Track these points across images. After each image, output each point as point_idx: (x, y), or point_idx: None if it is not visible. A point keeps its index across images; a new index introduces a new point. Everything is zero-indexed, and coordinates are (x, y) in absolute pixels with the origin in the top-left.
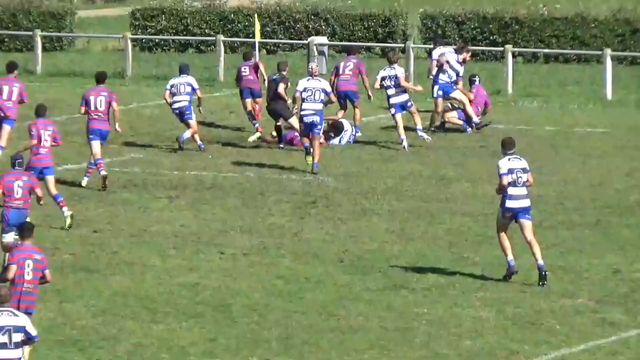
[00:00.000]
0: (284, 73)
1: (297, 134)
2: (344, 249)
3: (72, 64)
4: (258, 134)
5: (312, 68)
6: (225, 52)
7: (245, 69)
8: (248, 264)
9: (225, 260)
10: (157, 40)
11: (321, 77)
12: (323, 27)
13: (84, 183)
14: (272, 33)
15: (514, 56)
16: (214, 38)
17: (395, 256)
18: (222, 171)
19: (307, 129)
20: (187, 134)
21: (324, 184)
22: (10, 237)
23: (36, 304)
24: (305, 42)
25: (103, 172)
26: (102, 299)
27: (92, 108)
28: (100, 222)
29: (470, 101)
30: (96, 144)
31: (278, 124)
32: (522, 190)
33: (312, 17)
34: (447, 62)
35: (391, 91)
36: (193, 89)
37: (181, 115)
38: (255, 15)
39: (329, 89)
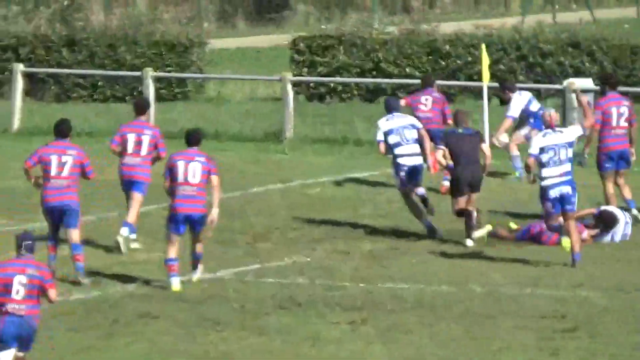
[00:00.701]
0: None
1: (545, 225)
2: None
3: (202, 121)
4: (488, 228)
5: (550, 116)
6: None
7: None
8: None
9: None
10: (332, 85)
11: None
12: (587, 64)
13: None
14: (507, 73)
15: None
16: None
17: None
18: (431, 282)
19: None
20: None
21: (588, 302)
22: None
23: None
24: (558, 86)
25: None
26: None
27: (181, 180)
28: (245, 359)
29: None
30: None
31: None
32: None
33: (569, 49)
34: None
35: None
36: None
37: None
38: (483, 46)
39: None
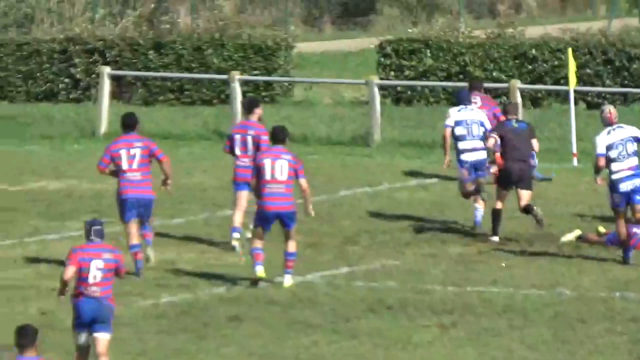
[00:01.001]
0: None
1: (634, 229)
2: None
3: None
4: (578, 232)
5: (610, 112)
6: (525, 105)
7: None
8: None
9: None
10: (418, 88)
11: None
12: None
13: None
14: (593, 77)
15: None
16: (505, 85)
17: None
18: (520, 286)
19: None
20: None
21: None
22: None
23: None
24: None
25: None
26: None
27: (269, 178)
28: None
29: None
30: None
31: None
32: None
33: None
34: None
35: None
36: None
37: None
38: (569, 50)
39: None
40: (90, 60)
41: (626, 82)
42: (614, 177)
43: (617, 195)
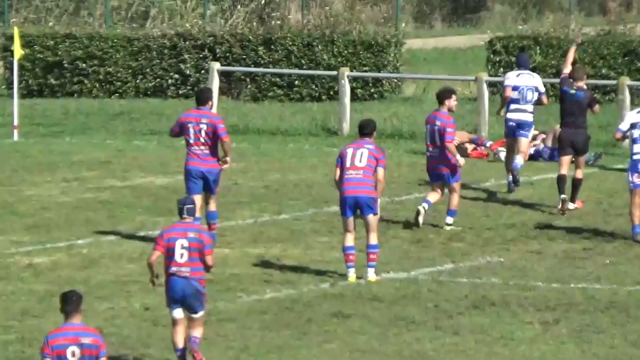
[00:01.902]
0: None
1: None
2: None
3: (395, 120)
4: None
5: None
6: (632, 101)
7: None
8: None
9: None
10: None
11: None
12: None
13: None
14: None
15: None
16: (614, 82)
17: None
18: (624, 283)
19: None
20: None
21: None
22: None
23: None
24: None
25: None
26: None
27: (348, 165)
28: (439, 358)
29: None
30: None
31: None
32: None
33: None
34: None
35: None
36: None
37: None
38: None
39: None
40: (200, 56)
41: None
42: (634, 158)
43: (635, 174)
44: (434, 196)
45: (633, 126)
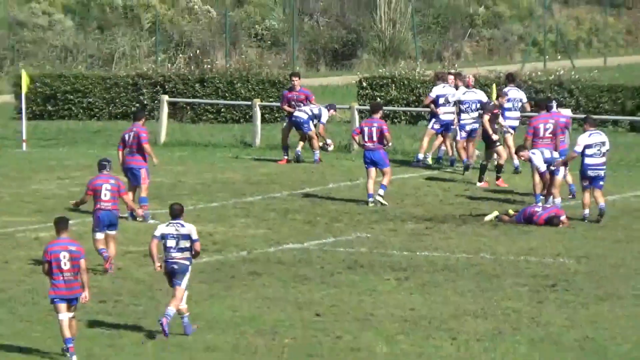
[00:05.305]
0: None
1: (537, 209)
2: (584, 336)
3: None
4: (495, 213)
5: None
6: None
7: None
8: (482, 350)
9: (457, 346)
10: (386, 112)
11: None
12: (567, 98)
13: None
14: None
15: None
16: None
17: (639, 344)
18: (454, 252)
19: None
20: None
21: (565, 266)
22: (100, 236)
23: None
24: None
25: None
26: None
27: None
28: (324, 304)
29: None
30: None
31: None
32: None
33: (556, 87)
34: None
35: None
36: None
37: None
38: (494, 85)
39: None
40: (154, 90)
41: (534, 108)
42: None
43: (586, 179)
44: (371, 181)
45: (587, 147)
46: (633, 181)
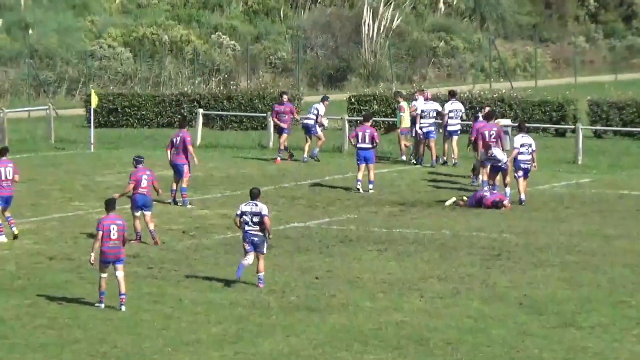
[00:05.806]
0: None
1: (486, 193)
2: (523, 294)
3: (299, 141)
4: (453, 199)
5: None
6: None
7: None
8: (443, 305)
9: (424, 302)
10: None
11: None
12: (507, 110)
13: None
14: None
15: None
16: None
17: (565, 300)
18: (422, 229)
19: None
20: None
21: (507, 240)
22: (137, 213)
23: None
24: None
25: None
26: (321, 333)
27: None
28: (321, 270)
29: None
30: None
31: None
32: None
33: (499, 102)
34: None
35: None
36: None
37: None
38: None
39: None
40: (192, 105)
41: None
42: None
43: (520, 171)
44: (361, 173)
45: (521, 146)
46: (559, 175)
